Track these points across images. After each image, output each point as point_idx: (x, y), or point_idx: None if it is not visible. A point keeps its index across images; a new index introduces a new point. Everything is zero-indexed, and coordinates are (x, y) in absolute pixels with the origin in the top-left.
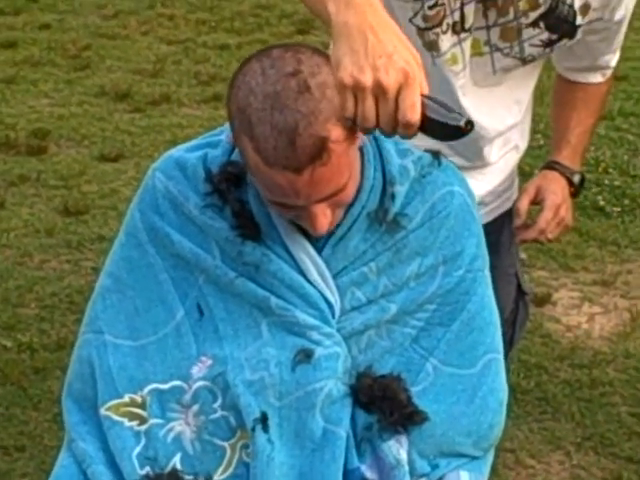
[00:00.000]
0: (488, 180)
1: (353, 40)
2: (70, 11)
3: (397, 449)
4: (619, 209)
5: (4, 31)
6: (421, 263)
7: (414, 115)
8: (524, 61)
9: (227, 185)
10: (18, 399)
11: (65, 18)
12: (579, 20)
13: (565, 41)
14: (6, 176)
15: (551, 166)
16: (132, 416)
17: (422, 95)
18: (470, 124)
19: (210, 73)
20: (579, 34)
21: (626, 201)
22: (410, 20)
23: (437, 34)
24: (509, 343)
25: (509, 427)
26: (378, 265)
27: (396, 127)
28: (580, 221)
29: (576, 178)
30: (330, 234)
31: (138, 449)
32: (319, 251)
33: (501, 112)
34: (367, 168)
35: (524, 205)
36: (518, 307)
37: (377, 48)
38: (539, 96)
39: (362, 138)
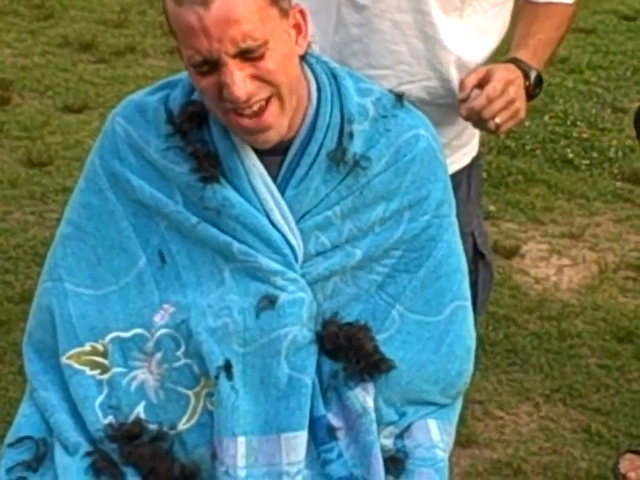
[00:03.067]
0: (444, 132)
1: None
2: None
3: (363, 397)
4: (587, 162)
5: None
6: (386, 208)
7: None
8: None
9: (189, 125)
10: None
11: None
12: None
13: None
14: None
15: (507, 61)
16: (94, 365)
17: None
18: None
19: None
20: None
21: (594, 154)
22: None
23: None
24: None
25: (478, 379)
26: (342, 209)
27: None
28: (549, 174)
29: (533, 73)
30: (291, 175)
31: (101, 398)
32: (282, 193)
33: (469, 43)
34: (323, 106)
35: (470, 80)
36: (478, 269)
37: None
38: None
39: (303, 47)
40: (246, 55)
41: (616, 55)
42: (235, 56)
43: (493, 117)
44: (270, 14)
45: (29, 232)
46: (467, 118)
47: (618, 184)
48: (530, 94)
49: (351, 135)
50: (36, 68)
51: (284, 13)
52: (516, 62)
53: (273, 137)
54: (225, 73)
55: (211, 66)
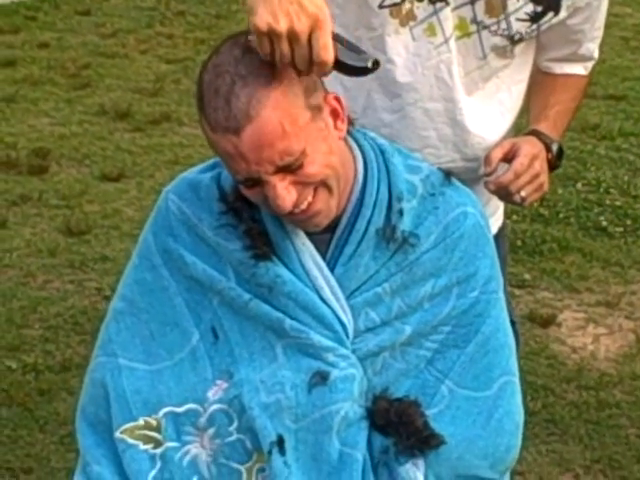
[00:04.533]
0: None
1: None
2: (69, 30)
3: (414, 472)
4: (621, 229)
5: (3, 50)
6: (435, 284)
7: (327, 55)
8: (512, 40)
9: (241, 203)
10: (24, 421)
11: (64, 37)
12: None
13: (550, 16)
14: (7, 196)
15: (528, 133)
16: (147, 439)
17: (332, 37)
18: (377, 64)
19: None
20: (563, 10)
21: (628, 221)
22: (381, 6)
23: (412, 1)
24: None
25: None
26: (392, 286)
27: (311, 67)
28: (583, 242)
29: (554, 146)
30: (340, 252)
31: (154, 472)
32: (331, 270)
33: (494, 122)
34: (370, 183)
35: (496, 154)
36: None
37: None
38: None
39: (343, 130)
40: (286, 169)
41: None
42: (275, 173)
43: (519, 191)
44: (303, 122)
45: (68, 301)
46: (494, 192)
47: None
48: (552, 166)
49: (401, 213)
50: (73, 137)
51: (318, 110)
52: (537, 135)
53: (323, 221)
54: (268, 188)
55: (254, 181)
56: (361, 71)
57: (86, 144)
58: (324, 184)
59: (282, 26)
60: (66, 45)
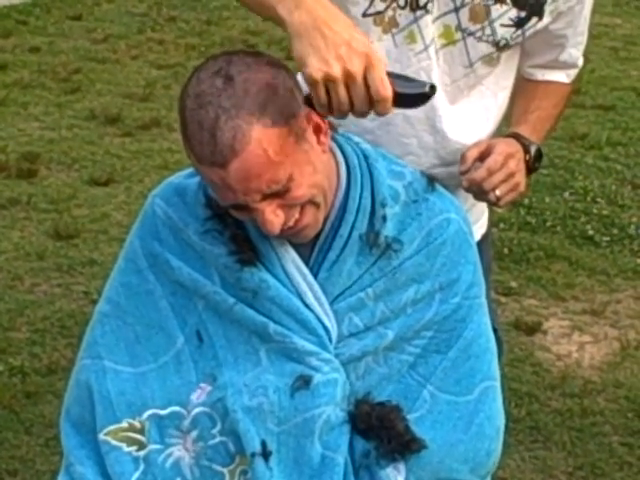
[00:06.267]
0: None
1: (312, 37)
2: (60, 34)
3: (395, 476)
4: (608, 238)
5: None
6: (417, 290)
7: (386, 90)
8: (498, 46)
9: (226, 209)
10: (10, 423)
11: (55, 41)
12: None
13: (535, 21)
14: None
15: (508, 135)
16: (131, 441)
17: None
18: (433, 88)
19: None
20: (547, 15)
21: (615, 230)
22: (365, 14)
23: (394, 9)
24: None
25: (501, 456)
26: (375, 291)
27: (370, 106)
28: (569, 250)
29: (533, 148)
30: (323, 258)
31: (137, 474)
32: (315, 275)
33: (476, 129)
34: (353, 188)
35: (472, 153)
36: None
37: (336, 39)
38: None
39: (326, 143)
40: (273, 195)
41: (635, 132)
42: (262, 200)
43: (493, 189)
44: (288, 149)
45: (56, 304)
46: (468, 189)
47: (639, 261)
48: (530, 168)
49: (384, 218)
50: (63, 141)
51: (301, 132)
52: (516, 137)
53: (311, 233)
54: (256, 213)
55: (241, 207)
56: (420, 98)
57: (75, 148)
58: (311, 202)
59: (336, 70)
60: (57, 50)
